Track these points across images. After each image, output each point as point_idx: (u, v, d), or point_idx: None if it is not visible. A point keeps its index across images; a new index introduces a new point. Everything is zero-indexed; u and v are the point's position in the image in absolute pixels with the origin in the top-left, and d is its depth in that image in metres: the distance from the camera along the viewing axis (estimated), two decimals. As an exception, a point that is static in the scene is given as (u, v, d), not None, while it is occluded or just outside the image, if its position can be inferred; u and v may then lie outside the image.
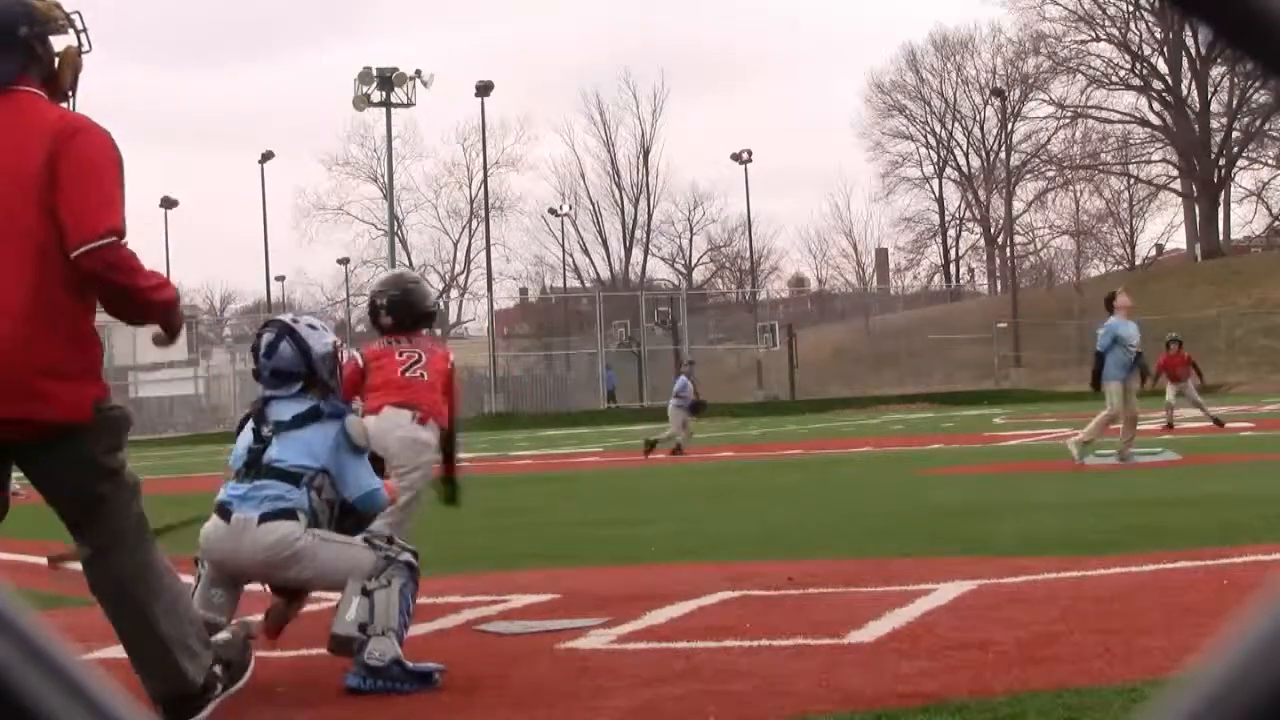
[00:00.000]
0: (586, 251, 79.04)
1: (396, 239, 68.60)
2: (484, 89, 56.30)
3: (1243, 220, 75.24)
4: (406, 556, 5.21)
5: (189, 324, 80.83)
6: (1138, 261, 75.97)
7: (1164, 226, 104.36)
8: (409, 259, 78.05)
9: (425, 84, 61.83)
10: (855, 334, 66.55)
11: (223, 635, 4.60)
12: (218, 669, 4.39)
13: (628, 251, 78.48)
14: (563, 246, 78.23)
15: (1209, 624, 5.33)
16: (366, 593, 5.04)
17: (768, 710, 4.35)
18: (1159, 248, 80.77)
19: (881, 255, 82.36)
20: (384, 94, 60.61)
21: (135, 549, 4.30)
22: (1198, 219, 69.95)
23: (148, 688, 4.29)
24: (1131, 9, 69.72)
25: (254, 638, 4.90)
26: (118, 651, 5.80)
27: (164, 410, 61.64)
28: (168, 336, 4.49)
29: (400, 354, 6.87)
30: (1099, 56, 71.11)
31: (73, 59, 4.38)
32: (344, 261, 78.47)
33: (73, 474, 4.20)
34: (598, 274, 78.43)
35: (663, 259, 79.46)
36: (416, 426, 6.72)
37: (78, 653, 0.59)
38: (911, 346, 59.48)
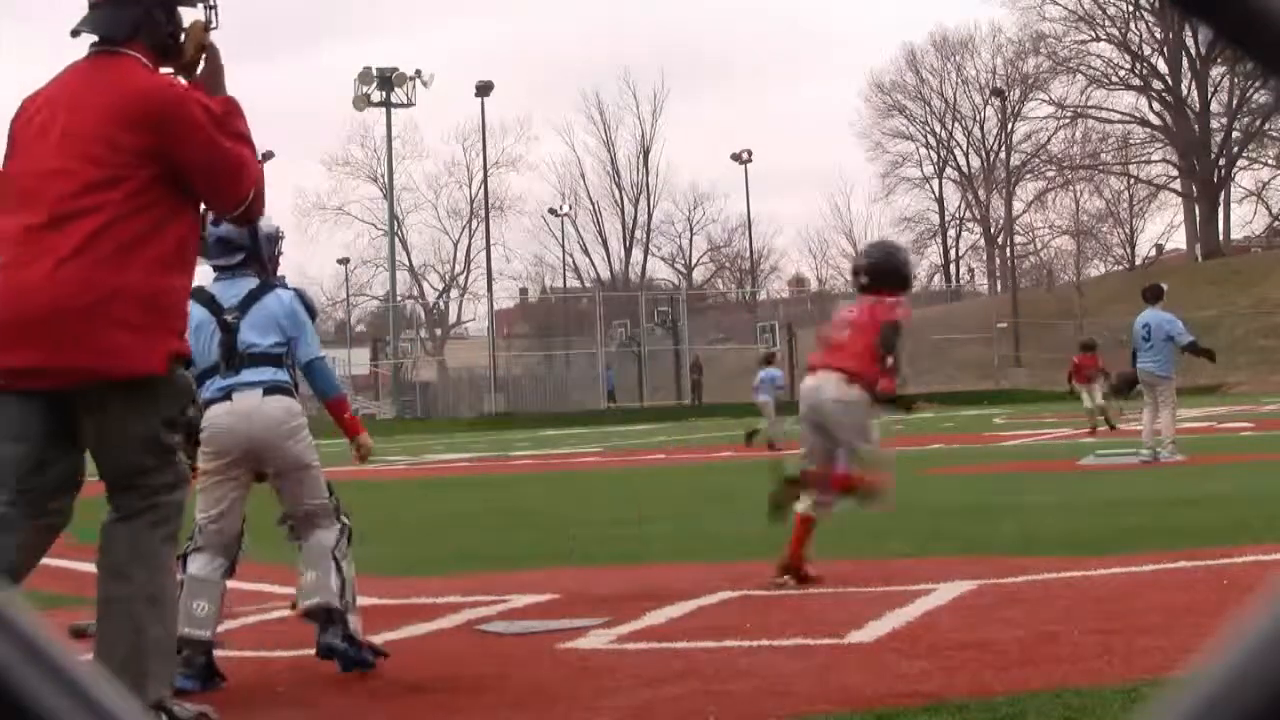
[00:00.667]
0: (586, 251, 79.12)
1: (396, 239, 68.57)
2: (484, 89, 56.28)
3: (1243, 220, 75.32)
4: (346, 519, 5.50)
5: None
6: (1138, 261, 75.97)
7: (1164, 226, 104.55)
8: (409, 259, 78.13)
9: (425, 84, 61.86)
10: (855, 334, 66.49)
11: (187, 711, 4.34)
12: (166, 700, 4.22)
13: (628, 251, 78.55)
14: (563, 246, 78.23)
15: (1209, 624, 5.33)
16: (336, 562, 5.31)
17: (768, 710, 4.35)
18: (1159, 248, 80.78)
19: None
20: (384, 94, 60.63)
21: (154, 529, 4.27)
22: (1198, 219, 69.94)
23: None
24: (1131, 9, 69.74)
25: None
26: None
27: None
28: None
29: (840, 315, 7.58)
30: (1099, 56, 71.16)
31: (199, 34, 4.42)
32: (344, 261, 78.45)
33: (126, 431, 4.19)
34: (598, 274, 78.49)
35: (663, 259, 79.54)
36: (843, 387, 7.17)
37: (78, 653, 0.59)
38: (911, 347, 59.45)
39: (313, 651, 5.34)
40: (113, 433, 4.20)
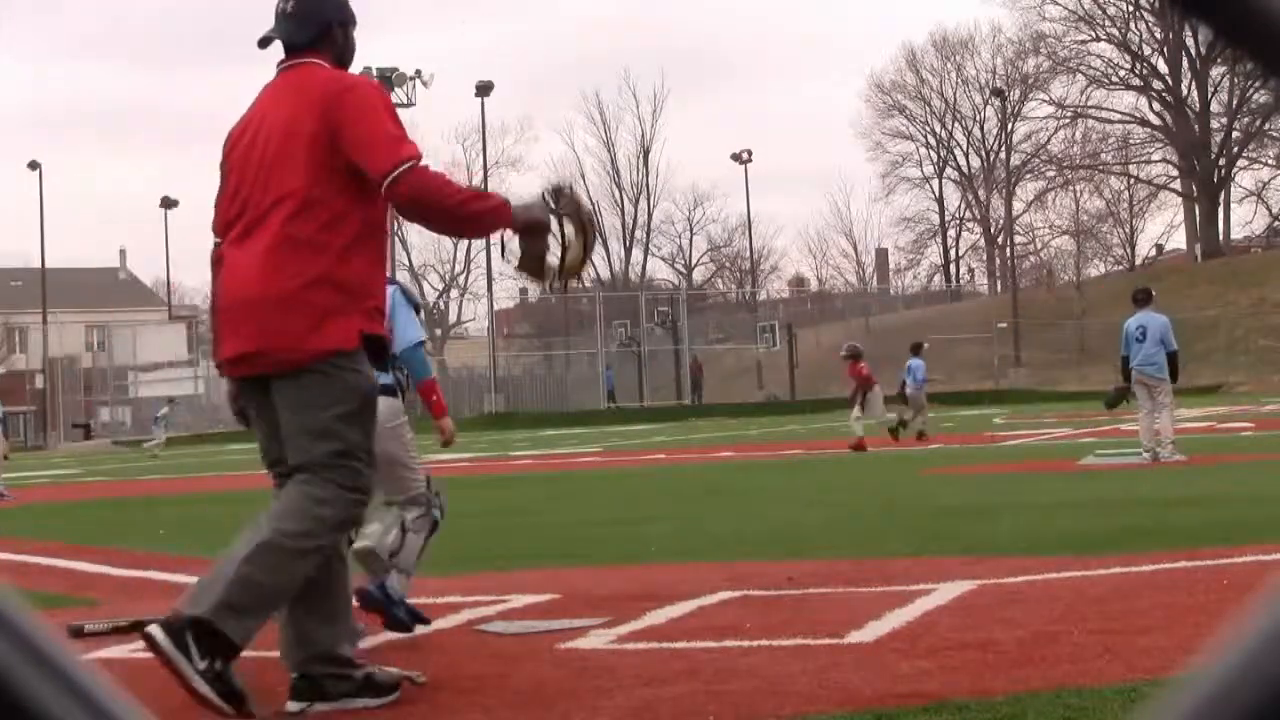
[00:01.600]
0: (586, 251, 79.01)
1: (397, 239, 68.54)
2: (484, 89, 56.30)
3: (1243, 220, 75.36)
4: (436, 513, 5.89)
5: (189, 324, 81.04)
6: (1138, 261, 75.97)
7: (1164, 226, 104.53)
8: (409, 259, 78.10)
9: (425, 84, 61.82)
10: (855, 334, 66.46)
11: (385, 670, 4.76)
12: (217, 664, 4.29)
13: (628, 251, 78.55)
14: (563, 246, 78.15)
15: (1209, 624, 5.33)
16: (404, 529, 5.71)
17: (768, 710, 4.35)
18: (1159, 248, 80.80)
19: (881, 255, 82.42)
20: (384, 94, 60.50)
21: (320, 504, 4.47)
22: (1198, 219, 69.95)
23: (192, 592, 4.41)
24: (1131, 9, 69.75)
25: (409, 684, 4.84)
26: (118, 651, 5.81)
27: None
28: (527, 256, 4.73)
29: None
30: (1099, 56, 71.17)
31: (577, 259, 4.93)
32: (344, 261, 78.39)
33: (297, 404, 4.52)
34: (598, 274, 78.46)
35: (663, 259, 79.54)
36: None
37: (78, 653, 0.59)
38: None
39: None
40: (295, 415, 4.55)
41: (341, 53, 4.85)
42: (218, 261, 4.72)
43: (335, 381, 4.52)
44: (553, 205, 4.78)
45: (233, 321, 4.59)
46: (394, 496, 5.82)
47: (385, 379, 5.65)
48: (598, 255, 78.68)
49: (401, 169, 4.46)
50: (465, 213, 4.56)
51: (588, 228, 4.83)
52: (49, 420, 62.84)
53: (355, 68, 4.95)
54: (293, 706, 4.57)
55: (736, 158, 65.33)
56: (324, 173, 4.53)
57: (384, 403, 5.56)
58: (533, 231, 4.69)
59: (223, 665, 4.24)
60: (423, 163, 4.53)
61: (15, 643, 0.56)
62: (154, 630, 4.23)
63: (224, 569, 4.34)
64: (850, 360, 22.97)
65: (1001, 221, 68.81)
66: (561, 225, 4.78)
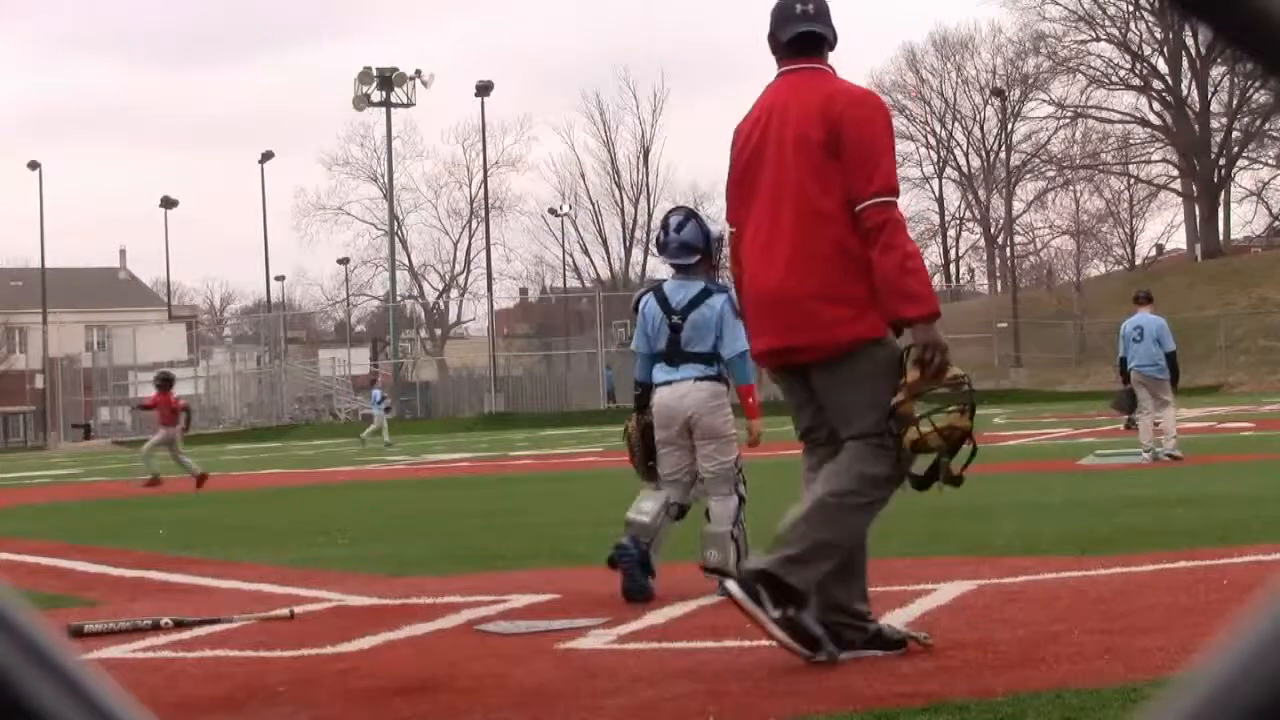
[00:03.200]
0: (586, 251, 79.08)
1: (396, 239, 68.56)
2: (484, 89, 56.28)
3: (1243, 220, 75.29)
4: (742, 489, 6.81)
5: (189, 323, 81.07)
6: (1138, 261, 75.96)
7: (1164, 226, 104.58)
8: (409, 259, 78.12)
9: (425, 84, 61.83)
10: (855, 334, 66.46)
11: (894, 625, 5.22)
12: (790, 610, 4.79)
13: (628, 251, 78.51)
14: (563, 246, 78.16)
15: (1209, 624, 5.33)
16: (734, 538, 6.63)
17: (768, 710, 4.35)
18: (1159, 248, 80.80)
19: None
20: (384, 94, 60.61)
21: (860, 461, 4.94)
22: (1198, 219, 69.93)
23: (754, 559, 5.09)
24: (1131, 9, 69.72)
25: (916, 644, 5.09)
26: (118, 651, 5.81)
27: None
28: (928, 357, 4.95)
29: None
30: (1099, 56, 71.13)
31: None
32: (344, 261, 78.45)
33: (843, 386, 4.98)
34: (598, 274, 78.44)
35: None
36: None
37: (77, 653, 0.59)
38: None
39: (313, 651, 5.40)
40: (841, 394, 5.02)
41: (834, 47, 5.27)
42: None
43: (865, 363, 5.02)
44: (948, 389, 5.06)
45: (770, 317, 5.17)
46: (708, 464, 6.72)
47: (711, 371, 6.73)
48: (598, 255, 78.71)
49: (868, 203, 4.89)
50: (899, 279, 4.89)
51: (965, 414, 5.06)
52: (49, 420, 62.84)
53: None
54: (734, 589, 4.91)
55: (736, 158, 65.21)
56: (828, 173, 5.01)
57: (709, 386, 6.71)
58: (932, 348, 4.92)
59: (795, 612, 4.78)
60: (887, 201, 4.98)
61: (15, 643, 0.56)
62: (731, 586, 4.88)
63: (786, 530, 4.90)
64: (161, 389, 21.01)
65: (1001, 221, 68.80)
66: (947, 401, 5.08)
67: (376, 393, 39.95)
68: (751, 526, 6.86)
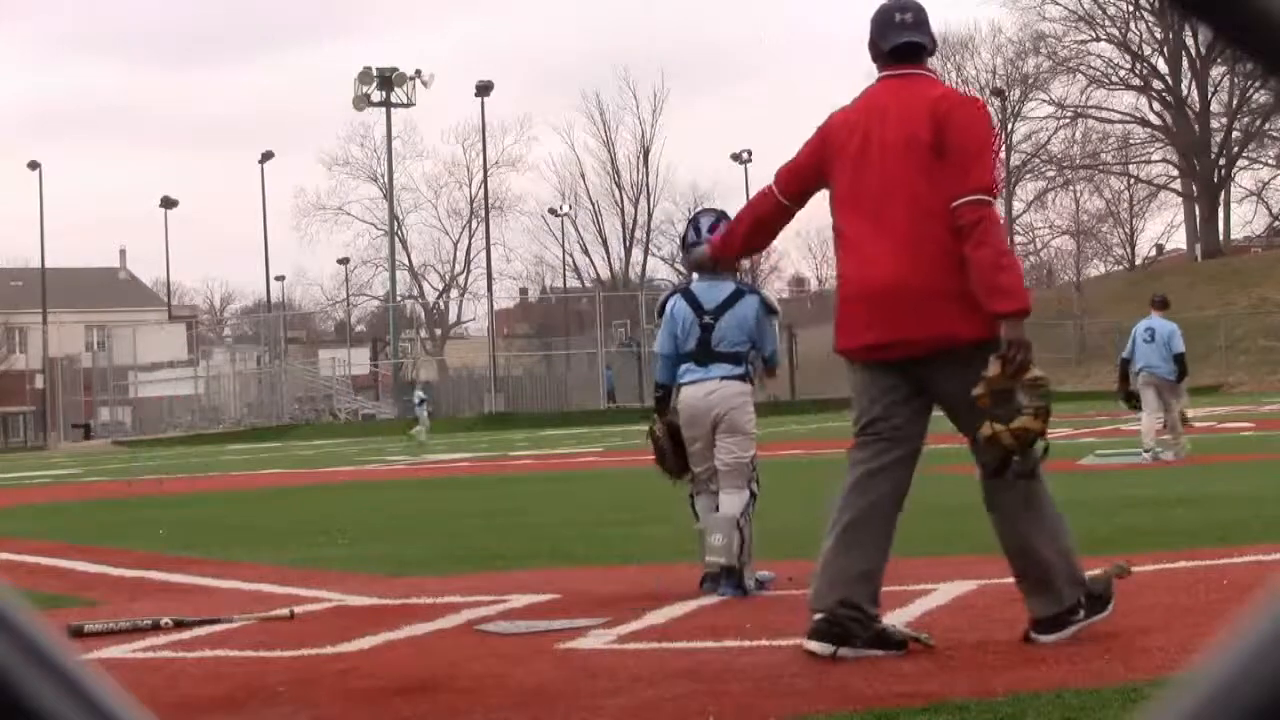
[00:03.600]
0: (586, 251, 79.12)
1: (396, 239, 68.59)
2: (484, 89, 56.30)
3: (1243, 220, 75.32)
4: (755, 485, 6.85)
5: (189, 323, 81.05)
6: (1138, 261, 75.96)
7: (1164, 226, 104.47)
8: (409, 259, 78.13)
9: (425, 84, 61.86)
10: (855, 334, 66.49)
11: (1095, 572, 5.34)
12: (1082, 598, 5.10)
13: (628, 251, 78.57)
14: (563, 246, 78.22)
15: (1209, 624, 5.33)
16: (739, 527, 6.63)
17: (768, 710, 4.35)
18: (1159, 248, 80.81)
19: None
20: (384, 94, 60.63)
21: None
22: (1198, 219, 69.94)
23: (1028, 603, 5.14)
24: (1131, 9, 69.76)
25: (1122, 576, 5.47)
26: (118, 651, 5.81)
27: (163, 410, 61.63)
28: (1011, 354, 5.03)
29: None
30: (1099, 56, 71.18)
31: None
32: (344, 261, 78.46)
33: (960, 384, 5.03)
34: (598, 274, 78.49)
35: (663, 259, 79.45)
36: None
37: (77, 653, 0.59)
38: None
39: (313, 651, 5.42)
40: (955, 388, 5.12)
41: (933, 51, 5.53)
42: None
43: (980, 358, 5.11)
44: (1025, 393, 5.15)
45: (875, 313, 5.22)
46: (726, 456, 6.76)
47: (739, 370, 6.84)
48: (598, 255, 78.74)
49: (964, 199, 5.02)
50: (992, 277, 4.97)
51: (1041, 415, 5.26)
52: (49, 420, 62.85)
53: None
54: (815, 648, 4.95)
55: (736, 158, 65.34)
56: (934, 173, 5.15)
57: (736, 385, 6.81)
58: (1016, 345, 4.99)
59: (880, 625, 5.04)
60: (983, 200, 5.10)
61: (15, 643, 0.56)
62: (1040, 636, 5.07)
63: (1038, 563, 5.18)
64: None
65: (1001, 221, 68.76)
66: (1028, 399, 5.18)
67: (418, 394, 39.98)
68: (759, 526, 6.87)
